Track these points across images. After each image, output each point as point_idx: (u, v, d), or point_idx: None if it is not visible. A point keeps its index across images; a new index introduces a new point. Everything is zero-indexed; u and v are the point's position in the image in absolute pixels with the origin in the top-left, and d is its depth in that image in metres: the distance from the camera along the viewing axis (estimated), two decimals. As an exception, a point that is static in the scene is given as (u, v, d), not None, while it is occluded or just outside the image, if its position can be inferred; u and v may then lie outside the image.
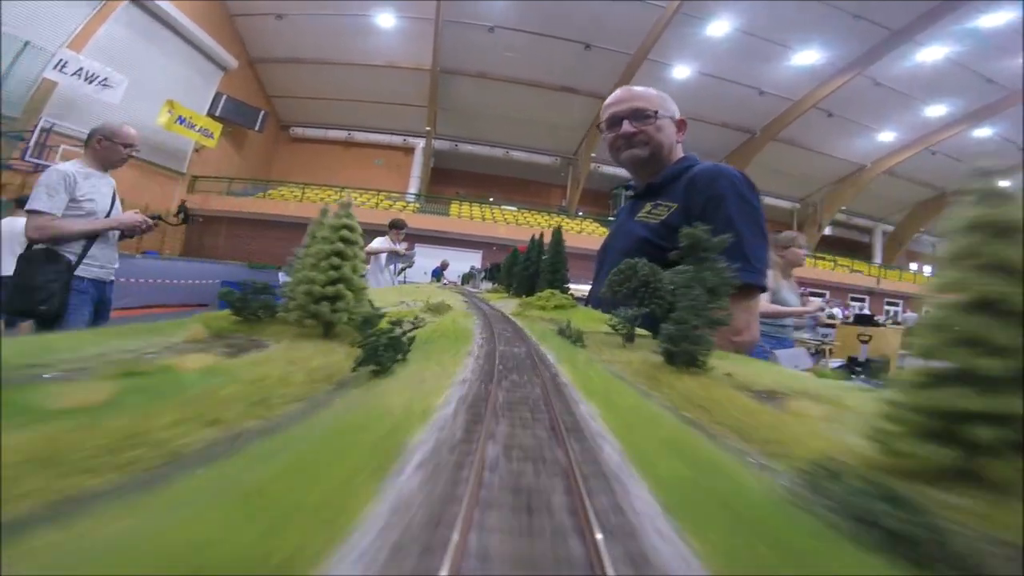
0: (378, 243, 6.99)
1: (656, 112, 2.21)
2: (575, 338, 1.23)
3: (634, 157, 2.21)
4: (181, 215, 4.06)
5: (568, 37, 19.83)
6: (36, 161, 12.36)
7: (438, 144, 25.51)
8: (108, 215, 3.17)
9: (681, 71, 21.33)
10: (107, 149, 3.18)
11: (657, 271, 1.43)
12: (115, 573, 0.27)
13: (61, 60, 12.44)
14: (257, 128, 22.18)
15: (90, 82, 13.16)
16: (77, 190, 2.97)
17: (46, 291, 2.80)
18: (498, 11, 19.08)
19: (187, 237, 19.60)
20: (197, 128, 18.28)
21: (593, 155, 24.35)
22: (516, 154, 26.22)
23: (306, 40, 20.79)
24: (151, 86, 15.91)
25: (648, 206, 2.12)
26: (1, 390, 0.46)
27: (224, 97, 20.00)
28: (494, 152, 26.10)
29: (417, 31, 20.09)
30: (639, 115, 2.18)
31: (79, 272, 2.99)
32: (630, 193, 2.58)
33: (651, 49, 19.61)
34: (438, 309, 1.64)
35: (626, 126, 2.18)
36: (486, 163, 26.88)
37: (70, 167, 3.03)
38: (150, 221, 3.31)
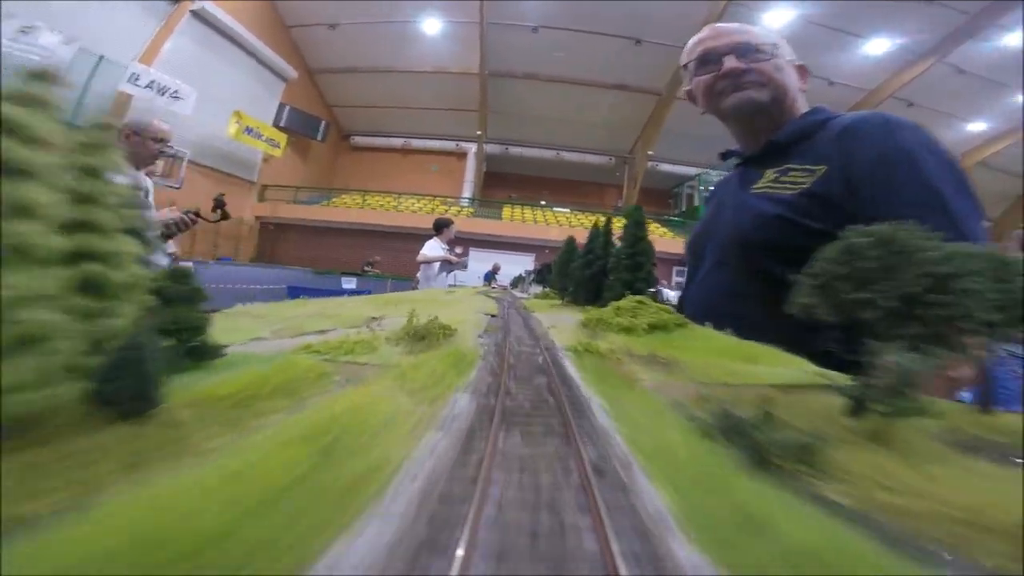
0: (430, 250, 6.29)
1: (774, 46, 1.61)
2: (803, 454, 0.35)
3: (748, 102, 1.57)
4: (218, 211, 3.53)
5: (616, 33, 18.54)
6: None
7: (489, 148, 24.85)
8: None
9: (742, 62, 19.64)
10: (136, 145, 2.83)
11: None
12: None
13: (133, 73, 12.66)
14: (319, 138, 22.38)
15: (162, 94, 13.36)
16: None
17: None
18: (541, 11, 18.13)
19: (260, 244, 20.07)
20: (264, 138, 18.51)
21: (650, 152, 22.82)
22: (568, 155, 25.08)
23: (359, 49, 20.59)
24: (219, 98, 16.14)
25: (771, 173, 1.51)
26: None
27: (287, 108, 20.23)
28: (545, 154, 25.09)
29: (463, 35, 19.49)
30: (747, 50, 1.59)
31: None
32: (734, 161, 1.81)
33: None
34: (422, 338, 0.78)
35: (731, 61, 1.58)
36: (538, 165, 25.93)
37: None
38: (186, 218, 2.91)
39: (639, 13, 17.56)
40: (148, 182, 3.04)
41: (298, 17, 19.33)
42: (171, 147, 3.22)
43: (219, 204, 3.59)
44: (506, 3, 17.89)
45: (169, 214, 2.94)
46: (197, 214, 3.11)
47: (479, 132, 23.70)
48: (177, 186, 14.71)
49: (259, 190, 20.18)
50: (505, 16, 18.36)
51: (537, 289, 4.28)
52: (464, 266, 6.93)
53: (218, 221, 3.62)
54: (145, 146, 2.89)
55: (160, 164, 14.57)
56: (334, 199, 22.14)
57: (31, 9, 10.78)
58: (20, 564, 0.23)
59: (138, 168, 2.93)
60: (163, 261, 2.86)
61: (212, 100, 15.70)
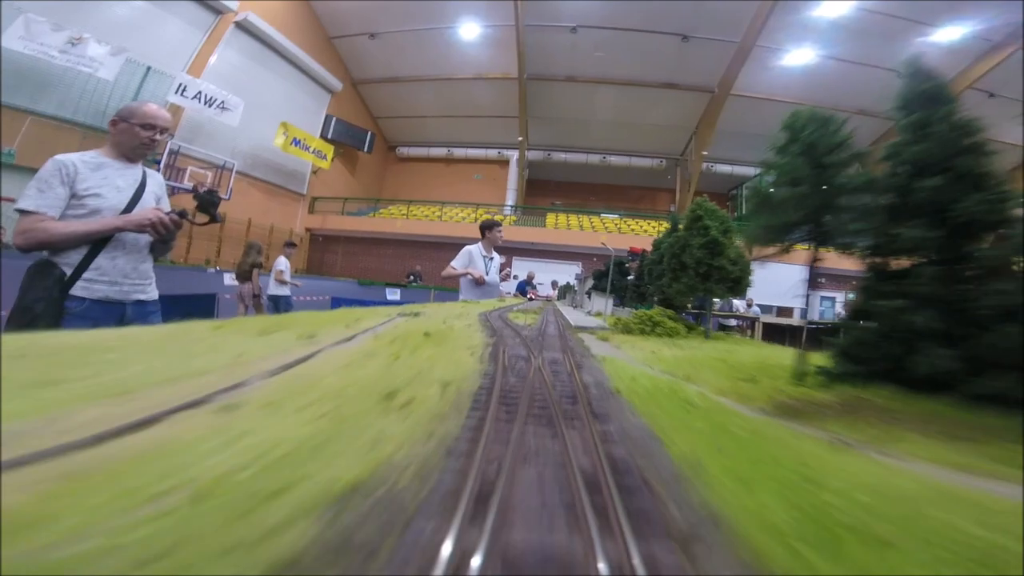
0: (459, 262, 5.03)
1: None
2: None
3: None
4: (206, 213, 2.62)
5: (660, 30, 17.09)
6: (169, 183, 12.31)
7: (531, 154, 23.65)
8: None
9: (801, 55, 17.76)
10: (123, 132, 2.31)
11: None
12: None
13: (181, 84, 12.36)
14: (366, 149, 21.90)
15: (209, 105, 13.03)
16: (79, 183, 2.16)
17: (30, 314, 2.04)
18: (579, 10, 16.92)
19: (310, 255, 19.75)
20: (311, 150, 18.13)
21: (705, 153, 20.92)
22: (615, 159, 23.42)
23: (400, 57, 20.02)
24: (267, 110, 15.85)
25: None
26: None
27: (334, 119, 19.87)
28: (590, 159, 23.57)
29: (500, 38, 18.50)
30: None
31: (76, 290, 2.11)
32: None
33: (760, 34, 16.39)
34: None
35: None
36: (583, 170, 24.41)
37: (75, 156, 2.23)
38: (165, 219, 2.25)
39: (684, 8, 16.13)
40: (156, 178, 2.51)
41: (340, 28, 18.92)
42: (168, 136, 2.54)
43: (205, 203, 2.61)
44: (543, 4, 16.79)
45: (143, 213, 2.26)
46: (182, 215, 2.40)
47: (520, 138, 22.55)
48: (226, 197, 14.37)
49: (309, 202, 19.86)
50: (542, 17, 17.25)
51: (599, 304, 2.85)
52: (497, 284, 5.49)
53: (206, 224, 2.66)
54: (132, 134, 2.30)
55: (209, 175, 14.40)
56: (381, 210, 21.62)
57: (78, 20, 10.59)
58: None
59: (132, 160, 2.38)
60: (143, 280, 2.38)
61: (261, 112, 15.41)
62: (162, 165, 12.46)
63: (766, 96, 19.06)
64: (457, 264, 5.02)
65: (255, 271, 8.19)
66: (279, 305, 8.33)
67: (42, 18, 9.89)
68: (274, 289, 8.27)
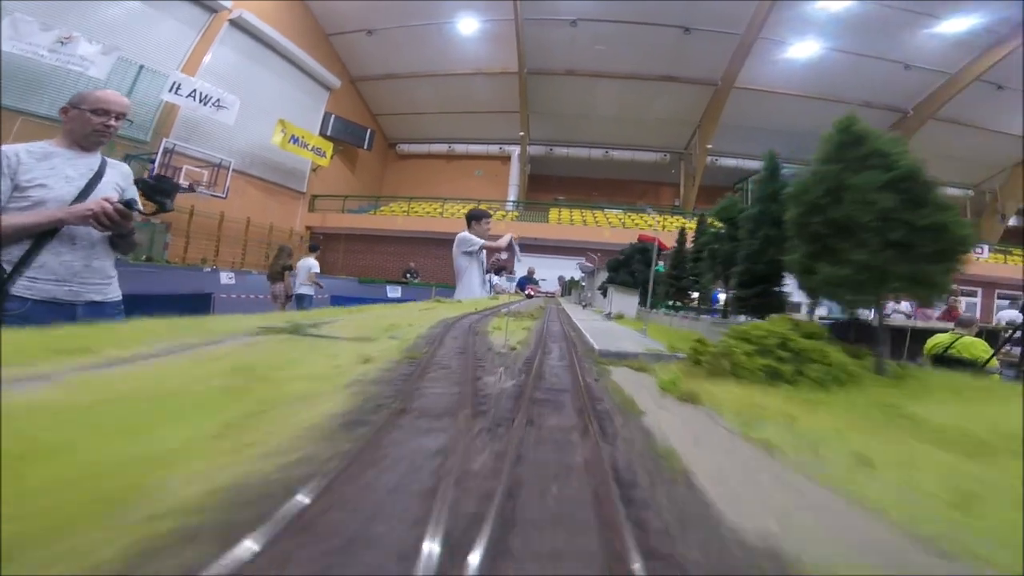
0: (476, 241, 4.71)
1: None
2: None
3: None
4: (153, 202, 2.34)
5: (661, 22, 16.80)
6: (163, 182, 12.12)
7: (532, 150, 23.32)
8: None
9: (805, 48, 17.47)
10: (74, 120, 2.15)
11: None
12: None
13: (175, 83, 12.11)
14: (365, 146, 21.61)
15: (204, 103, 12.77)
16: (22, 174, 1.98)
17: None
18: (578, 4, 16.69)
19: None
20: (310, 147, 17.86)
21: (709, 146, 20.64)
22: (617, 153, 23.09)
23: (398, 54, 19.74)
24: (265, 108, 15.61)
25: None
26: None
27: (333, 117, 19.61)
28: (592, 153, 23.24)
29: (499, 33, 18.20)
30: None
31: (17, 290, 1.90)
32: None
33: (763, 26, 16.12)
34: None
35: None
36: (585, 165, 24.08)
37: (20, 146, 2.05)
38: (108, 208, 1.98)
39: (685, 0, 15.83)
40: (119, 168, 2.30)
41: (336, 24, 18.66)
42: (128, 121, 2.29)
43: (151, 191, 2.33)
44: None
45: (85, 205, 2.05)
46: (129, 204, 2.12)
47: (521, 133, 22.26)
48: (223, 196, 14.13)
49: (309, 200, 19.62)
50: (541, 11, 17.00)
51: (620, 303, 2.30)
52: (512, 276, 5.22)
53: (155, 213, 2.37)
54: (84, 120, 2.13)
55: (205, 174, 14.14)
56: (382, 208, 21.38)
57: (71, 20, 10.35)
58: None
59: (86, 149, 2.20)
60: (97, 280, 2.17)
61: (257, 110, 15.17)
62: (156, 164, 12.23)
63: (770, 89, 18.78)
64: (485, 241, 4.73)
65: (286, 273, 8.91)
66: (303, 303, 8.73)
67: (30, 18, 9.66)
68: (301, 288, 8.73)
